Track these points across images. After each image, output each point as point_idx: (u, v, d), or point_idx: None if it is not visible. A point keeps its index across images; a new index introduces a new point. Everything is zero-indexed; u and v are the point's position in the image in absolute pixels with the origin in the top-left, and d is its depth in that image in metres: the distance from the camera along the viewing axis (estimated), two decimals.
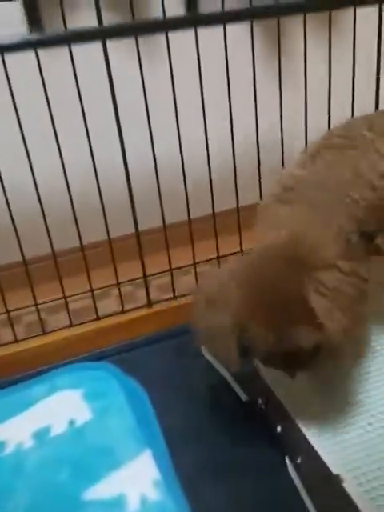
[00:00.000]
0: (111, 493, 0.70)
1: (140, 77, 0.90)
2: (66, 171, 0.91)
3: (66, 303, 0.96)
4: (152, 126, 0.95)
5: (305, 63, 0.99)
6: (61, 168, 0.91)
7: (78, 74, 0.87)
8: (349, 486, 0.67)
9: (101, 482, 0.72)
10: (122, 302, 0.99)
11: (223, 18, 0.72)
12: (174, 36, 0.89)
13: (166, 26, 0.69)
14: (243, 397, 0.86)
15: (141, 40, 0.90)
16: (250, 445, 0.79)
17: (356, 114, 1.05)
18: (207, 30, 0.90)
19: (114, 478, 0.72)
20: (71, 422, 0.80)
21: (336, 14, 1.11)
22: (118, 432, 0.78)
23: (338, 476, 0.69)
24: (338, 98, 1.02)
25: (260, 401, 0.82)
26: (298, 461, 0.73)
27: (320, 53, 1.06)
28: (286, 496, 0.72)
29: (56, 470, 0.73)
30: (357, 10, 1.00)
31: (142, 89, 0.91)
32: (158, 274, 1.04)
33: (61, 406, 0.82)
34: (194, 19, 0.66)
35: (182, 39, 0.91)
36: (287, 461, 0.75)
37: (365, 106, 1.01)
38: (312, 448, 0.73)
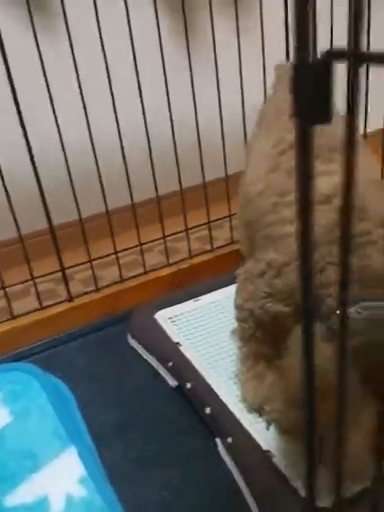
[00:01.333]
0: (34, 495, 0.66)
1: (38, 56, 0.85)
2: None
3: None
4: (57, 113, 0.90)
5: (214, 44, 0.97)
6: None
7: None
8: (278, 461, 0.66)
9: (22, 486, 0.67)
10: (38, 297, 0.94)
11: None
12: (73, 13, 0.86)
13: None
14: (172, 382, 0.83)
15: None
16: (180, 430, 0.77)
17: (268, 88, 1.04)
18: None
19: (36, 480, 0.68)
20: None
21: None
22: (40, 433, 0.74)
23: (268, 452, 0.67)
24: (250, 78, 1.01)
25: (188, 385, 0.80)
26: (229, 440, 0.70)
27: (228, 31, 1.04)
28: (217, 477, 0.70)
29: None
30: None
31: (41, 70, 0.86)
32: (77, 265, 1.00)
33: None
34: None
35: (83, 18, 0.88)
36: (218, 442, 0.72)
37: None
38: (242, 427, 0.71)
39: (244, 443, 0.69)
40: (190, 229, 1.07)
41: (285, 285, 0.62)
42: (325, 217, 0.57)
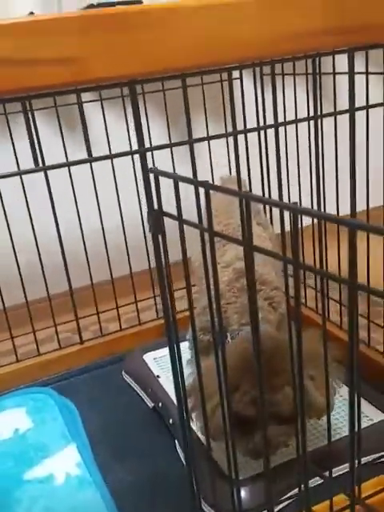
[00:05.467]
0: (44, 473, 0.97)
1: None
2: None
3: (14, 344, 1.24)
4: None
5: None
6: None
7: None
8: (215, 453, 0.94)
9: (37, 467, 0.98)
10: (58, 340, 1.27)
11: None
12: None
13: None
14: (150, 404, 1.13)
15: None
16: (151, 435, 1.06)
17: None
18: None
19: (47, 464, 0.99)
20: (16, 430, 1.07)
21: None
22: (51, 434, 1.05)
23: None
24: None
25: (160, 404, 1.10)
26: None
27: None
28: (175, 468, 0.98)
29: (3, 462, 0.99)
30: None
31: None
32: (88, 316, 1.33)
33: (8, 420, 1.09)
34: None
35: None
36: (176, 443, 1.01)
37: None
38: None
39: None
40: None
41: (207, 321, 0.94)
42: (227, 276, 0.91)
